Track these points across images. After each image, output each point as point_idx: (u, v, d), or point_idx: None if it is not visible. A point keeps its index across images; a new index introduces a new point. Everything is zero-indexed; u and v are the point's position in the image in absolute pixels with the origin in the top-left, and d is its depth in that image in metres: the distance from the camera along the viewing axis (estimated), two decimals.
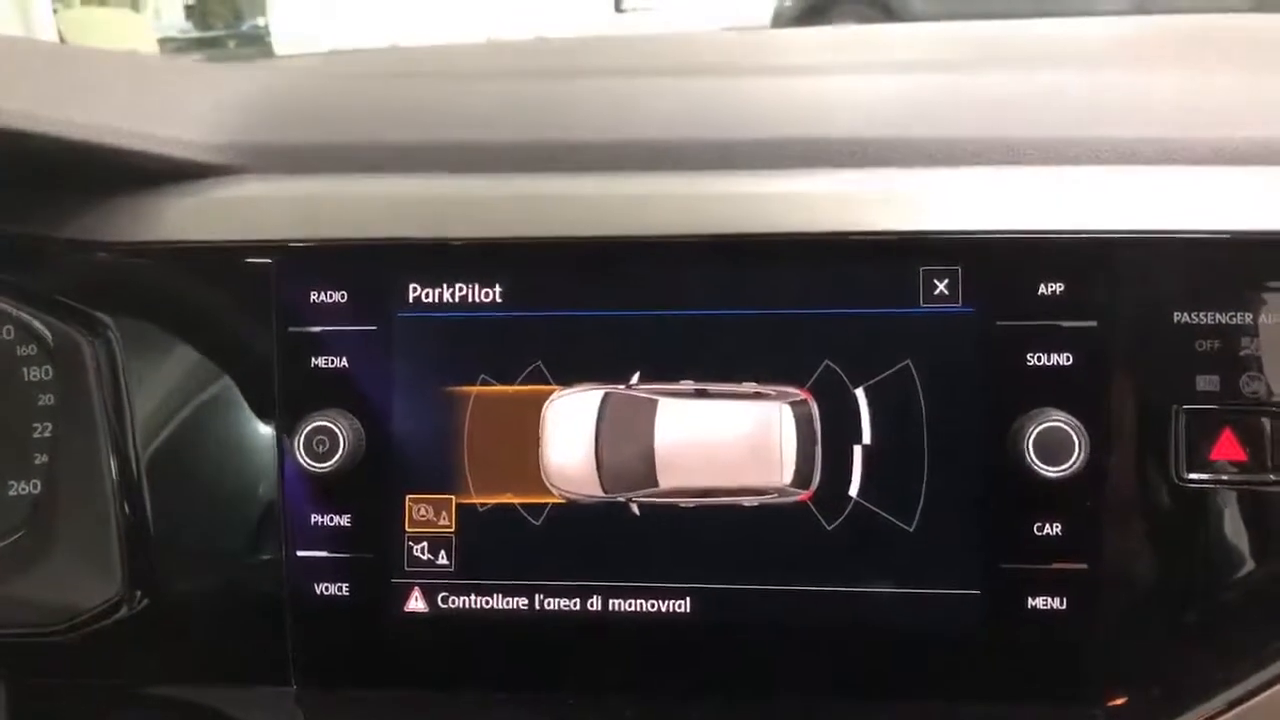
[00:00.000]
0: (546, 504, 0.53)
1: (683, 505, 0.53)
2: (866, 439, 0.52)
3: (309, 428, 0.53)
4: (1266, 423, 0.49)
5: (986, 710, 0.51)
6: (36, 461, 0.57)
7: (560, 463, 0.53)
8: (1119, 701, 0.50)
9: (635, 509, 0.53)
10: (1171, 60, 0.66)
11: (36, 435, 0.57)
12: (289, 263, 0.55)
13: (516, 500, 0.54)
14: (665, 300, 0.53)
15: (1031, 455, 0.49)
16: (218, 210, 0.55)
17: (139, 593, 0.55)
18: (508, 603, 0.53)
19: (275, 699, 0.55)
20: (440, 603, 0.54)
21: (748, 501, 0.52)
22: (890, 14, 5.48)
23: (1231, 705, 0.48)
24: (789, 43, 0.91)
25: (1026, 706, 0.51)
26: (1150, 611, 0.50)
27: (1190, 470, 0.49)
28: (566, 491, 0.53)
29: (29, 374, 0.58)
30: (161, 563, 0.56)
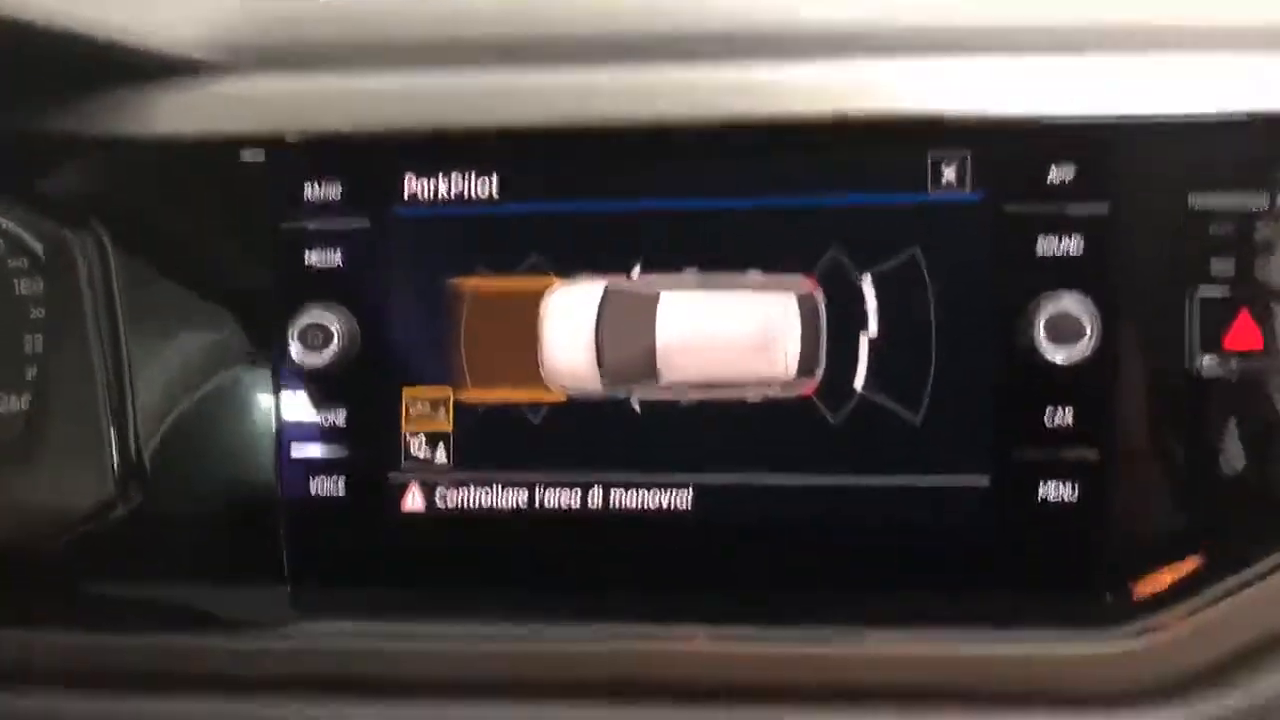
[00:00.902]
0: (546, 399, 0.52)
1: (684, 402, 0.51)
2: (873, 330, 0.50)
3: (303, 323, 0.52)
4: None
5: (995, 600, 0.50)
6: (29, 377, 0.56)
7: (560, 358, 0.52)
8: (1129, 588, 0.49)
9: (636, 405, 0.52)
10: None
11: (28, 350, 0.56)
12: (282, 157, 0.54)
13: (515, 396, 0.52)
14: (667, 190, 0.52)
15: (1042, 340, 0.47)
16: (210, 104, 0.54)
17: (132, 493, 0.55)
18: (506, 499, 0.53)
19: (270, 599, 0.54)
20: (438, 499, 0.53)
21: (750, 395, 0.51)
22: None
23: (1239, 588, 0.47)
24: None
25: (1036, 595, 0.50)
26: (1161, 498, 0.49)
27: (1205, 355, 0.48)
28: (566, 387, 0.52)
29: (20, 286, 0.57)
30: (154, 463, 0.55)
